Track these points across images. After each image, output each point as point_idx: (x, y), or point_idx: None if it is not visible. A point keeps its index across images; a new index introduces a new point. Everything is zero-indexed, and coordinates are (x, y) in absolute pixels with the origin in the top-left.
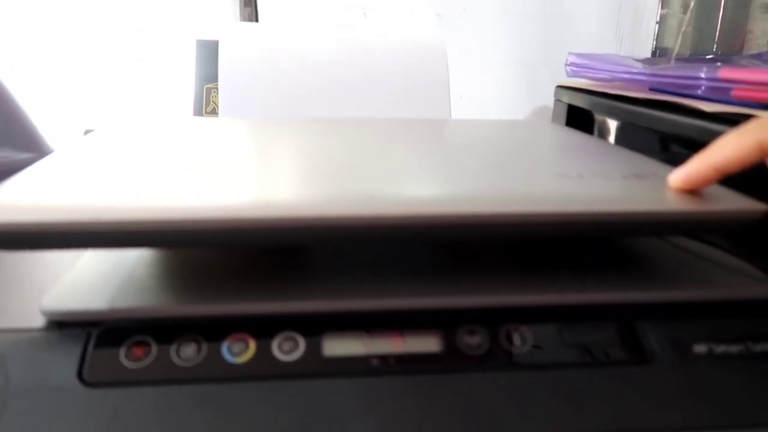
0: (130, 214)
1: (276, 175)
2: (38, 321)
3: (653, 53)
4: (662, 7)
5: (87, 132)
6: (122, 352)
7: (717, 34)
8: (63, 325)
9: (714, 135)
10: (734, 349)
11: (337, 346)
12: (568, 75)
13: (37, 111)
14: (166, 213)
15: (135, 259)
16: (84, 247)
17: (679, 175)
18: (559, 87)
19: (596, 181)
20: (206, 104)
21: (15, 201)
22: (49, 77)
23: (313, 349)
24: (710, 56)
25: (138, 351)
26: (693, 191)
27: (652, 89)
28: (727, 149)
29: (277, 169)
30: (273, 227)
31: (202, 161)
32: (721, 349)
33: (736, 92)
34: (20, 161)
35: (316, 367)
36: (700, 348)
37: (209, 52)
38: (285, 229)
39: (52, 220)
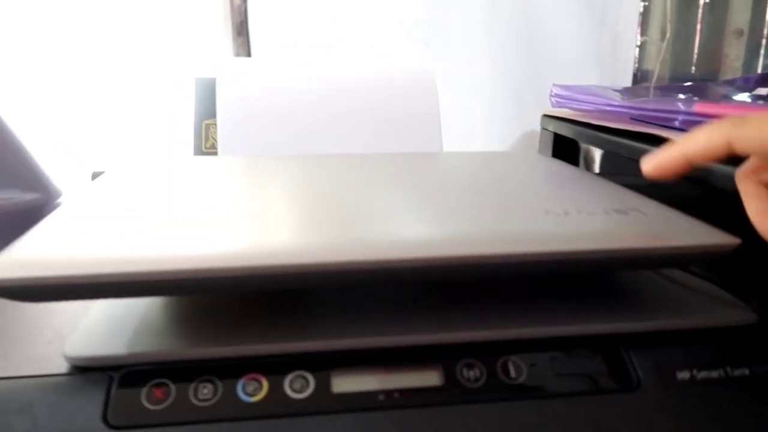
0: (147, 266)
1: (280, 220)
2: (61, 366)
3: (635, 77)
4: (641, 35)
5: (95, 174)
6: (143, 394)
7: (694, 58)
8: (85, 369)
9: None
10: (715, 374)
11: (344, 383)
12: (553, 106)
13: (40, 150)
14: (181, 264)
15: (146, 302)
16: (102, 297)
17: (650, 161)
18: (545, 116)
19: (581, 218)
20: (205, 140)
21: (36, 255)
22: (49, 116)
23: (323, 387)
24: (688, 83)
25: (158, 393)
26: (671, 224)
27: (633, 119)
28: (698, 141)
29: (280, 213)
30: (278, 274)
31: (208, 207)
32: (702, 374)
33: None
34: (26, 202)
35: (325, 403)
36: (683, 374)
37: (207, 89)
38: (290, 276)
39: (72, 274)
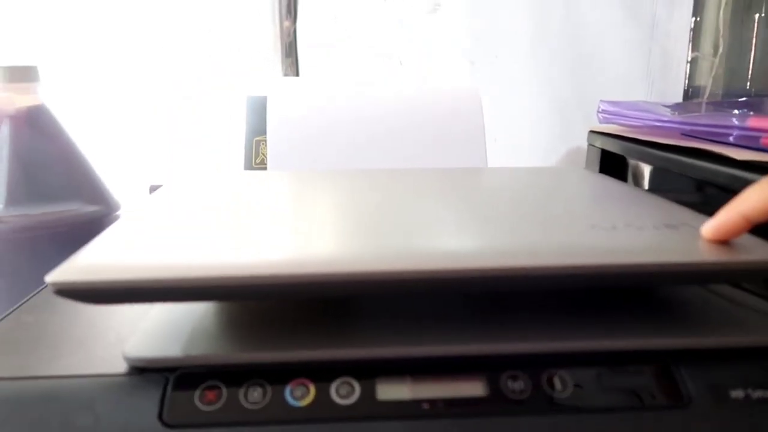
0: (207, 272)
1: (329, 231)
2: (120, 367)
3: (686, 92)
4: (692, 50)
5: (153, 187)
6: (196, 395)
7: (749, 74)
8: (143, 370)
9: (745, 182)
10: None
11: (389, 391)
12: (600, 122)
13: (100, 163)
14: (237, 271)
15: (202, 307)
16: (161, 301)
17: (710, 226)
18: (592, 132)
19: (629, 232)
20: (255, 155)
21: (102, 261)
22: (110, 131)
23: (368, 394)
24: (743, 98)
25: (210, 395)
26: (725, 241)
27: (684, 134)
28: (752, 199)
29: (329, 224)
30: (328, 282)
31: (261, 218)
32: (758, 394)
33: (766, 140)
34: (87, 213)
35: (370, 410)
36: (737, 393)
37: (258, 107)
38: (339, 284)
39: (138, 278)
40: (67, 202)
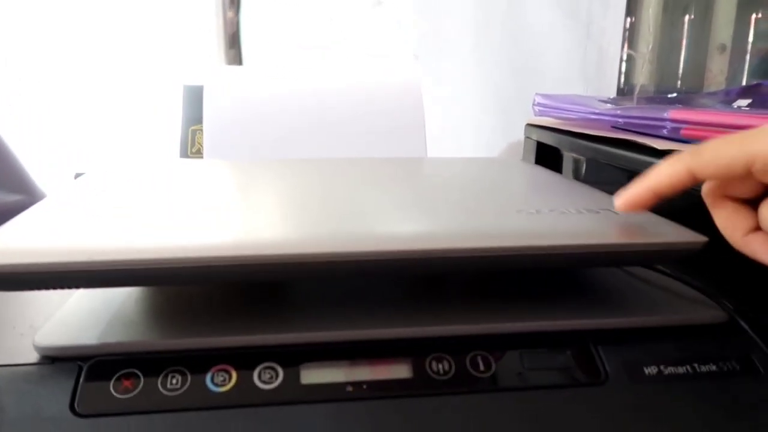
0: (121, 255)
1: (257, 215)
2: (32, 356)
3: (621, 90)
4: (627, 48)
5: (77, 175)
6: (112, 384)
7: (680, 73)
8: (55, 359)
9: None
10: (681, 370)
11: (313, 375)
12: (536, 114)
13: (25, 153)
14: (154, 254)
15: (123, 295)
16: (77, 287)
17: (622, 198)
18: (529, 125)
19: (551, 216)
20: (191, 145)
21: (12, 245)
22: (38, 119)
23: (291, 378)
24: (673, 94)
25: (127, 383)
26: (639, 223)
27: (614, 127)
28: (662, 174)
29: (258, 209)
30: (253, 265)
31: (187, 203)
32: (669, 370)
33: (685, 131)
34: (10, 203)
35: (294, 394)
36: (650, 370)
37: (195, 96)
38: (265, 267)
39: (47, 262)
40: None
